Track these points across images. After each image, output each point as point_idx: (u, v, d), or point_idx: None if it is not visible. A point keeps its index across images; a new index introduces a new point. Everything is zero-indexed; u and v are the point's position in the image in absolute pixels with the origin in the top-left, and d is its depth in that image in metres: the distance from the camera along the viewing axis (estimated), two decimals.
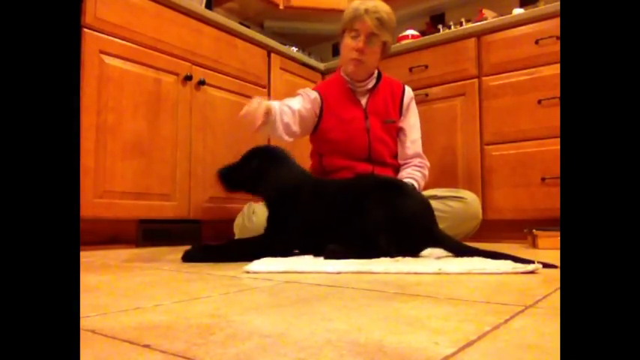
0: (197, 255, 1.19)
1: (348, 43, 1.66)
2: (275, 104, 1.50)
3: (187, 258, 1.19)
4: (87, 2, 1.62)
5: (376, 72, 1.75)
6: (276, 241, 1.23)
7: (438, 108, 2.37)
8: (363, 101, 1.72)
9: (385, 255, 1.10)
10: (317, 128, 1.69)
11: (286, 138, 1.57)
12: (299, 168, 1.36)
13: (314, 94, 1.69)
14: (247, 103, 1.36)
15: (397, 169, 1.75)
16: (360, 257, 1.08)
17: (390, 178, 1.25)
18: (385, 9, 1.64)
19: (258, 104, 1.35)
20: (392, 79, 1.83)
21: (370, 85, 1.73)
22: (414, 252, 1.17)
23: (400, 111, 1.76)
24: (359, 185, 1.24)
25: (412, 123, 1.78)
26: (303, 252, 1.25)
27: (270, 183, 1.29)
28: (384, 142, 1.70)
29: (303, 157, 1.85)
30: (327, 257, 1.10)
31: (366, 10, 1.60)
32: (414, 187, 1.24)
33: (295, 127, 1.59)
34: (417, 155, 1.76)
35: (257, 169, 1.30)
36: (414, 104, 1.81)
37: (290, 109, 1.57)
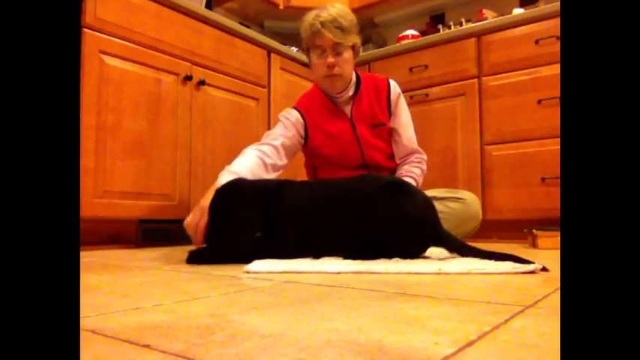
0: (202, 256, 1.18)
1: (315, 62, 1.58)
2: (238, 168, 1.42)
3: (193, 259, 1.18)
4: (87, 2, 1.62)
5: (354, 76, 1.66)
6: (274, 246, 1.20)
7: (438, 108, 2.37)
8: (347, 110, 1.64)
9: (402, 256, 1.10)
10: (306, 144, 1.65)
11: (273, 176, 1.53)
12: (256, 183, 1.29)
13: (295, 116, 1.64)
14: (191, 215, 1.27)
15: (393, 171, 1.71)
16: (374, 258, 1.09)
17: (392, 178, 1.20)
18: (341, 13, 1.54)
19: (194, 220, 1.25)
20: (374, 76, 1.73)
21: (351, 93, 1.64)
22: (419, 252, 1.16)
23: (389, 110, 1.67)
24: (360, 186, 1.21)
25: (404, 121, 1.69)
26: (303, 256, 1.23)
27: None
28: (377, 147, 1.65)
29: (296, 167, 1.84)
30: (346, 257, 1.12)
31: (322, 24, 1.51)
32: (416, 186, 1.21)
33: (281, 162, 1.56)
34: (414, 151, 1.70)
35: (220, 226, 1.21)
36: (402, 100, 1.71)
37: (271, 149, 1.53)
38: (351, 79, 1.64)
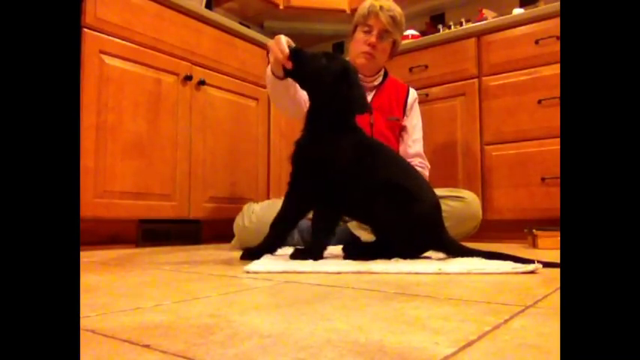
0: (256, 252, 1.17)
1: (360, 37, 1.69)
2: None
3: (248, 256, 1.17)
4: (87, 2, 1.62)
5: (383, 70, 1.79)
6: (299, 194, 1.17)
7: (438, 108, 2.37)
8: (369, 97, 1.75)
9: (402, 257, 1.10)
10: None
11: (297, 105, 1.52)
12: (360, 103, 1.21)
13: None
14: (273, 43, 1.24)
15: None
16: (377, 258, 1.09)
17: (409, 179, 1.17)
18: (398, 10, 1.70)
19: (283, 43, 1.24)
20: (397, 80, 1.87)
21: (377, 82, 1.77)
22: (419, 253, 1.16)
23: (404, 111, 1.80)
24: (391, 171, 1.17)
25: (415, 123, 1.81)
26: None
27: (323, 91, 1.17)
28: (387, 138, 1.72)
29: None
30: (347, 257, 1.11)
31: (381, 8, 1.65)
32: (430, 189, 1.20)
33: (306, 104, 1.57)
34: (418, 155, 1.78)
35: (323, 67, 1.18)
36: (417, 106, 1.85)
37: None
38: (380, 70, 1.78)
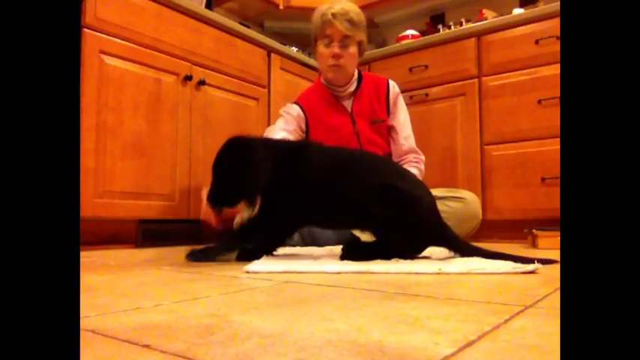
0: (201, 255, 1.20)
1: (322, 51, 1.63)
2: None
3: (192, 257, 1.20)
4: (87, 2, 1.62)
5: (356, 73, 1.72)
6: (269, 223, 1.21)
7: (438, 108, 2.37)
8: (348, 105, 1.69)
9: (400, 257, 1.10)
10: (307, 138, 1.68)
11: None
12: (273, 146, 1.25)
13: (296, 110, 1.67)
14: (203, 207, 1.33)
15: None
16: (374, 259, 1.09)
17: (397, 181, 1.15)
18: (354, 9, 1.62)
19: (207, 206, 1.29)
20: (375, 76, 1.80)
21: (352, 88, 1.70)
22: (417, 252, 1.16)
23: (387, 108, 1.72)
24: (375, 174, 1.17)
25: (402, 120, 1.74)
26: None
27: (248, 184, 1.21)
28: (376, 143, 1.68)
29: None
30: (343, 258, 1.11)
31: (334, 15, 1.57)
32: (420, 189, 1.20)
33: None
34: (411, 151, 1.74)
35: (232, 173, 1.24)
36: (401, 99, 1.77)
37: None
38: (353, 75, 1.70)
